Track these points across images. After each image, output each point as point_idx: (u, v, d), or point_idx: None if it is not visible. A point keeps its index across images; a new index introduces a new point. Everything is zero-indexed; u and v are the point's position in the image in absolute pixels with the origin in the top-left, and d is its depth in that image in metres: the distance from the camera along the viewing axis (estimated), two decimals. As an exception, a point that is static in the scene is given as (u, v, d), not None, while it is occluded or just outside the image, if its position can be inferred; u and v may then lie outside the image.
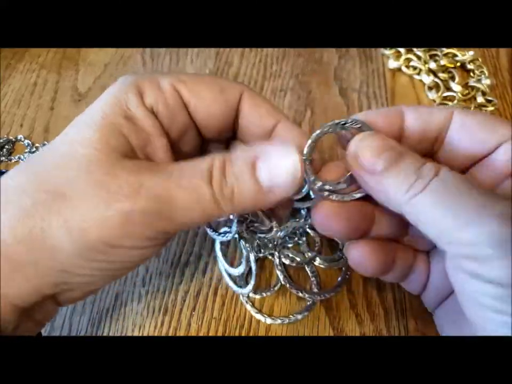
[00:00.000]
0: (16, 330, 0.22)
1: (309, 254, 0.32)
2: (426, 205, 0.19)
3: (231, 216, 0.27)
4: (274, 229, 0.28)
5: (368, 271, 0.24)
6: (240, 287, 0.31)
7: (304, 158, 0.22)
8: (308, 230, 0.34)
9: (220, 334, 0.30)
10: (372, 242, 0.24)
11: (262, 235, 0.29)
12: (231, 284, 0.31)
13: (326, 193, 0.23)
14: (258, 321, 0.30)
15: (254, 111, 0.24)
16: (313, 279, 0.32)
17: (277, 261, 0.31)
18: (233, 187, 0.20)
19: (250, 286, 0.30)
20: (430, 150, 0.24)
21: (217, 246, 0.32)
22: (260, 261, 0.33)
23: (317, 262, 0.32)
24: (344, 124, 0.22)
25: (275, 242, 0.32)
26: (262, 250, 0.31)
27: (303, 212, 0.34)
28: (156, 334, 0.30)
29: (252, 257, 0.29)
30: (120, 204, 0.20)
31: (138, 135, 0.22)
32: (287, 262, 0.32)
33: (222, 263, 0.32)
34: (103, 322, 0.30)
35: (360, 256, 0.24)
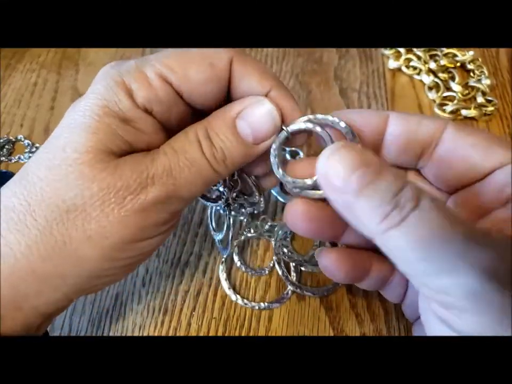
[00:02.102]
0: (38, 329, 0.23)
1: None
2: (401, 242, 0.17)
3: (221, 188, 0.28)
4: (262, 203, 0.28)
5: (336, 278, 0.24)
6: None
7: (273, 153, 0.22)
8: None
9: (220, 334, 0.30)
10: (342, 251, 0.24)
11: (249, 208, 0.30)
12: (218, 244, 0.32)
13: (296, 190, 0.22)
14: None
15: (245, 81, 0.22)
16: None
17: (277, 265, 0.32)
18: (223, 150, 0.21)
19: (227, 251, 0.31)
20: (413, 164, 0.22)
21: (209, 211, 0.33)
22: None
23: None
24: (320, 121, 0.21)
25: (277, 245, 0.32)
26: (249, 229, 0.33)
27: None
28: (155, 334, 0.30)
29: (230, 223, 0.30)
30: (132, 202, 0.20)
31: (138, 137, 0.22)
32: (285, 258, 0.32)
33: (210, 228, 0.32)
34: (103, 322, 0.30)
35: (328, 263, 0.24)
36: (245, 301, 0.31)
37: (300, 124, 0.22)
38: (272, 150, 0.22)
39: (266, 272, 0.32)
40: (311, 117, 0.22)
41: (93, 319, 0.30)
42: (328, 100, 0.43)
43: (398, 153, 0.22)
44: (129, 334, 0.30)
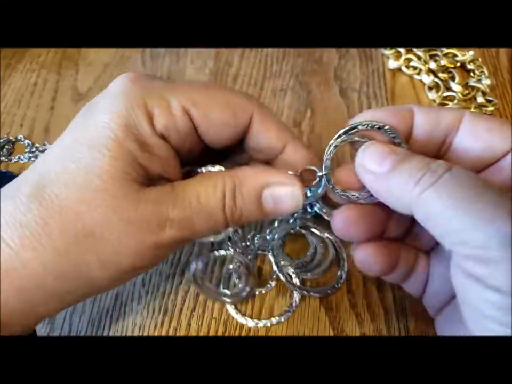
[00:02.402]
0: (33, 328, 0.24)
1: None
2: (436, 201, 0.18)
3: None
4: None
5: (373, 272, 0.25)
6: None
7: (325, 173, 0.23)
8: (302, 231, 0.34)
9: (219, 334, 0.30)
10: (377, 244, 0.24)
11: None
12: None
13: (345, 197, 0.23)
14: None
15: (264, 134, 0.24)
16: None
17: (275, 267, 0.31)
18: (242, 212, 0.23)
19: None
20: (437, 152, 0.24)
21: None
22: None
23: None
24: (352, 131, 0.23)
25: (270, 247, 0.32)
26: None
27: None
28: (155, 334, 0.30)
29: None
30: (150, 239, 0.21)
31: (155, 163, 0.22)
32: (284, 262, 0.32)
33: None
34: (103, 322, 0.30)
35: (366, 257, 0.24)
36: (256, 321, 0.30)
37: (343, 137, 0.23)
38: (325, 172, 0.23)
39: (273, 285, 0.31)
40: (353, 126, 0.23)
41: (93, 319, 0.30)
42: (328, 99, 0.43)
43: (424, 144, 0.23)
44: (129, 334, 0.30)
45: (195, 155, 0.25)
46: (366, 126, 0.22)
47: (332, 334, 0.30)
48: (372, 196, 0.23)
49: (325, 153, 0.23)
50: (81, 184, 0.21)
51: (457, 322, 0.21)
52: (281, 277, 0.31)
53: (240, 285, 0.30)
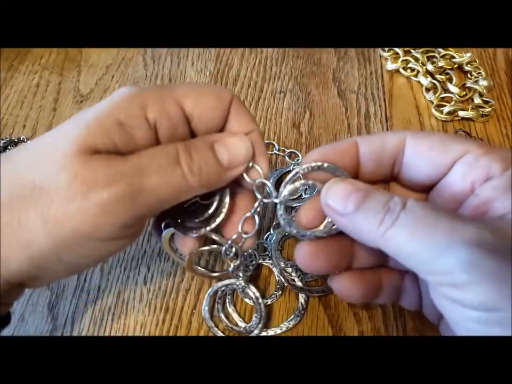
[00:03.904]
0: None
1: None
2: (399, 238, 0.19)
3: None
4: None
5: (354, 300, 0.26)
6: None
7: (280, 201, 0.24)
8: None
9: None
10: (354, 274, 0.25)
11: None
12: None
13: (306, 236, 0.24)
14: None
15: (238, 118, 0.25)
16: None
17: (276, 270, 0.32)
18: (200, 165, 0.23)
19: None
20: (389, 175, 0.25)
21: None
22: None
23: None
24: (295, 178, 0.24)
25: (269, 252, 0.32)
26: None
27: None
28: (157, 332, 0.30)
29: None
30: (96, 194, 0.20)
31: (126, 143, 0.22)
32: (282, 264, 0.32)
33: None
34: (105, 321, 0.31)
35: (343, 288, 0.25)
36: (269, 331, 0.30)
37: (292, 186, 0.24)
38: (278, 206, 0.24)
39: (277, 295, 0.31)
40: (299, 171, 0.24)
41: (95, 317, 0.31)
42: (326, 101, 0.44)
43: (374, 169, 0.24)
44: (130, 332, 0.30)
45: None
46: (305, 169, 0.23)
47: (330, 333, 0.30)
48: (332, 228, 0.24)
49: (284, 182, 0.24)
50: (45, 146, 0.22)
51: None
52: (283, 280, 0.31)
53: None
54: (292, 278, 0.32)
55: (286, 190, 0.24)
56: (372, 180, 0.25)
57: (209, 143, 0.23)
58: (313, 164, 0.23)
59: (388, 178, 0.25)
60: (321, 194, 0.23)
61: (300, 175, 0.24)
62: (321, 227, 0.24)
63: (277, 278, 0.32)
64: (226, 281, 0.30)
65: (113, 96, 0.23)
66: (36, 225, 0.20)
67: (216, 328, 0.30)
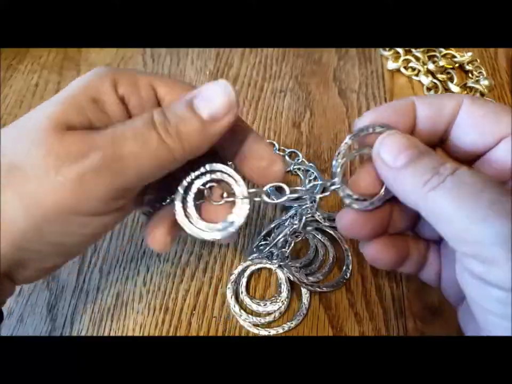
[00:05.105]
0: None
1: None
2: (441, 201, 0.19)
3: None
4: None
5: (384, 266, 0.25)
6: None
7: (338, 186, 0.23)
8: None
9: (220, 332, 0.30)
10: (385, 239, 0.25)
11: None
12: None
13: (350, 201, 0.23)
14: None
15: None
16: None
17: (281, 275, 0.32)
18: (177, 125, 0.21)
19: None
20: (438, 140, 0.24)
21: None
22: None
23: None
24: (366, 131, 0.23)
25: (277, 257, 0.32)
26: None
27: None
28: (156, 333, 0.30)
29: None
30: (70, 168, 0.19)
31: (101, 119, 0.22)
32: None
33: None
34: (104, 321, 0.31)
35: (375, 253, 0.25)
36: (268, 329, 0.30)
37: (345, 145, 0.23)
38: (334, 162, 0.23)
39: (284, 297, 0.31)
40: (347, 141, 0.23)
41: (94, 318, 0.31)
42: (327, 100, 0.44)
43: (429, 133, 0.23)
44: (130, 332, 0.30)
45: None
46: (355, 136, 0.23)
47: (331, 333, 0.30)
48: (381, 200, 0.23)
49: (334, 161, 0.23)
50: (20, 126, 0.21)
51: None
52: (291, 278, 0.31)
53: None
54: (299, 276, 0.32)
55: (339, 166, 0.23)
56: (424, 143, 0.24)
57: (187, 101, 0.21)
58: (377, 128, 0.22)
59: (437, 143, 0.24)
60: (375, 145, 0.22)
61: (367, 132, 0.23)
62: (379, 195, 0.23)
63: (283, 276, 0.32)
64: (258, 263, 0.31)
65: (86, 75, 0.23)
66: (13, 205, 0.20)
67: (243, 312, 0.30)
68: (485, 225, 0.17)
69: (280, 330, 0.30)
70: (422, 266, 0.26)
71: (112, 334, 0.30)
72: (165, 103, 0.23)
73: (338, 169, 0.23)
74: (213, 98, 0.21)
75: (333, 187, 0.24)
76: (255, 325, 0.30)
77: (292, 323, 0.30)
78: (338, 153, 0.23)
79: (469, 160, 0.24)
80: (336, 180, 0.23)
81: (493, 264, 0.17)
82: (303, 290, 0.31)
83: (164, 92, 0.23)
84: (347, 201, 0.23)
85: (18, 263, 0.22)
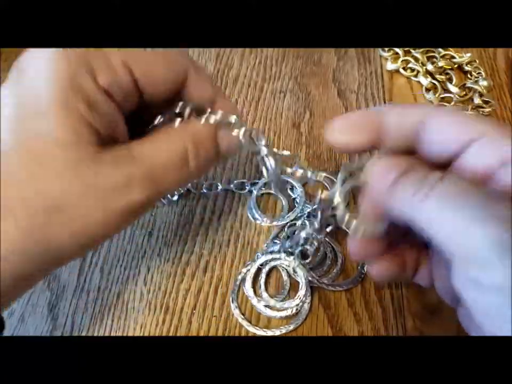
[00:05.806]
0: None
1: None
2: (433, 208, 0.19)
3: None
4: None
5: (388, 280, 0.28)
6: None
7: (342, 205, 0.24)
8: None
9: (220, 332, 0.30)
10: (389, 257, 0.26)
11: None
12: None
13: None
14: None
15: (199, 85, 0.25)
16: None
17: (301, 273, 0.32)
18: (205, 159, 0.24)
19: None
20: (411, 149, 0.24)
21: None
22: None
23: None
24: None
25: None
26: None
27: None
28: (157, 332, 0.30)
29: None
30: (119, 203, 0.20)
31: (103, 123, 0.21)
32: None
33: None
34: (105, 321, 0.31)
35: (384, 270, 0.26)
36: (265, 330, 0.30)
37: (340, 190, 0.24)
38: (338, 205, 0.24)
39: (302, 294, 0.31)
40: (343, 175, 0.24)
41: (95, 317, 0.31)
42: (326, 101, 0.44)
43: (395, 143, 0.24)
44: (130, 332, 0.30)
45: (134, 115, 0.25)
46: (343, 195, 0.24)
47: (330, 333, 0.30)
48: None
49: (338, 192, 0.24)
50: (33, 158, 0.20)
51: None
52: (304, 276, 0.31)
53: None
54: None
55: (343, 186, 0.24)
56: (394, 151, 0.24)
57: (213, 135, 0.24)
58: (353, 169, 0.24)
59: (410, 152, 0.25)
60: (361, 178, 0.23)
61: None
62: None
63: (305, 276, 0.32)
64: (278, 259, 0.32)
65: (57, 66, 0.21)
66: (63, 241, 0.21)
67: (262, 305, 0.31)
68: (476, 229, 0.18)
69: (280, 332, 0.30)
70: (416, 271, 0.26)
71: (113, 333, 0.30)
72: (140, 84, 0.23)
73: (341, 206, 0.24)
74: (233, 142, 0.24)
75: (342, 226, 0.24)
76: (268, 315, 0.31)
77: (290, 326, 0.30)
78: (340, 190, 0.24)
79: (442, 167, 0.24)
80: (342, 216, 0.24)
81: (489, 268, 0.17)
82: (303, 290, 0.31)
83: (139, 73, 0.23)
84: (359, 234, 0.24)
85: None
